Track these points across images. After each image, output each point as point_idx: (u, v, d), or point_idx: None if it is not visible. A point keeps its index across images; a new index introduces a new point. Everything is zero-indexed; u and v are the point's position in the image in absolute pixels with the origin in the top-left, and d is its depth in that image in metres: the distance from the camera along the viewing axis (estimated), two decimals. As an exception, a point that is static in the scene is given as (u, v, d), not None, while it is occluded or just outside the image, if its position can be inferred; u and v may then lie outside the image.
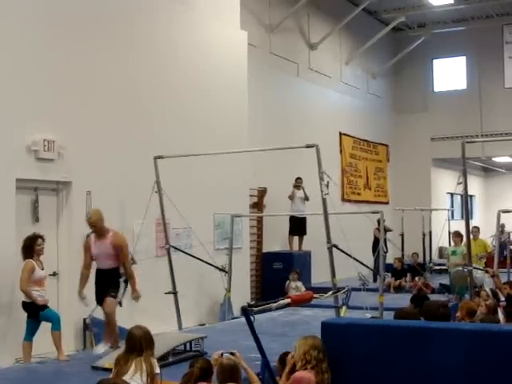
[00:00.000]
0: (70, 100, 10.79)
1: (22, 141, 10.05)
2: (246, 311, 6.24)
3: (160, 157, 11.27)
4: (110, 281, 9.32)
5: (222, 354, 6.03)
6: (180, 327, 11.35)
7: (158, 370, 6.04)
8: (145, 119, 12.18)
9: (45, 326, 9.12)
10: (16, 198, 9.97)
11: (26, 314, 9.13)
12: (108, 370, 7.05)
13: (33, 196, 10.47)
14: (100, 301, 9.30)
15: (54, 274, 10.59)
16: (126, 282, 9.44)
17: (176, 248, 11.87)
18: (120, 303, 9.37)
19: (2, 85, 9.82)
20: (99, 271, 9.44)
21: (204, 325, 12.73)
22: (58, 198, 10.92)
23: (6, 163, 9.81)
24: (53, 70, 10.58)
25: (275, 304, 6.44)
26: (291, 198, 16.97)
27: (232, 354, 6.08)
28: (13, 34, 10.02)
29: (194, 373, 5.71)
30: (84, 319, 10.71)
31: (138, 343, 6.04)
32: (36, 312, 9.06)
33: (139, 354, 5.98)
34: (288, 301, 6.66)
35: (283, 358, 6.42)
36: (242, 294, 14.17)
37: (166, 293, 11.35)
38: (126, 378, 5.67)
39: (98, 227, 9.28)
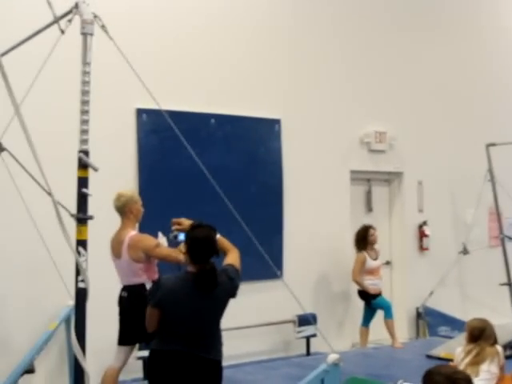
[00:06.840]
0: (400, 91, 10.91)
1: (355, 134, 10.42)
2: None
3: (492, 144, 10.99)
4: None
5: None
6: (516, 320, 10.99)
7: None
8: (475, 106, 11.87)
9: (381, 314, 9.40)
10: (351, 188, 10.37)
11: (361, 302, 9.51)
12: (443, 359, 7.07)
13: (366, 187, 10.82)
14: None
15: (387, 263, 10.82)
16: None
17: (510, 238, 11.49)
18: None
19: (339, 83, 10.24)
20: None
21: (540, 319, 12.16)
22: (390, 188, 11.13)
23: (342, 156, 10.24)
24: (381, 63, 10.75)
25: None
26: None
27: None
28: (341, 29, 10.40)
29: None
30: (417, 308, 10.83)
31: (491, 334, 6.09)
32: (368, 300, 9.38)
33: (492, 345, 6.02)
34: None
35: None
36: None
37: (500, 284, 11.08)
38: (483, 366, 5.79)
39: None
